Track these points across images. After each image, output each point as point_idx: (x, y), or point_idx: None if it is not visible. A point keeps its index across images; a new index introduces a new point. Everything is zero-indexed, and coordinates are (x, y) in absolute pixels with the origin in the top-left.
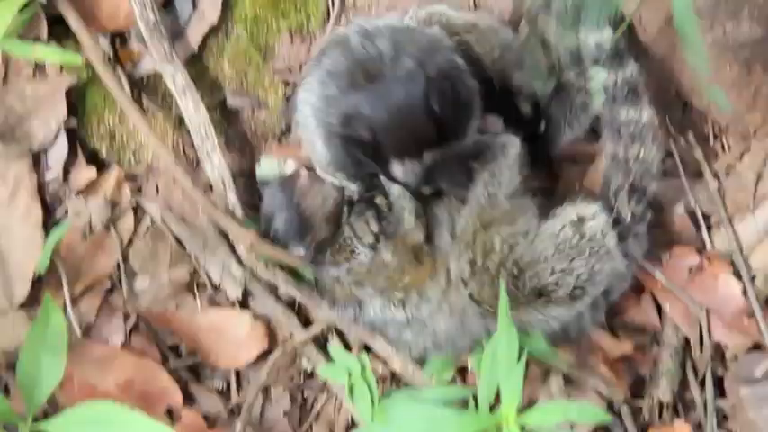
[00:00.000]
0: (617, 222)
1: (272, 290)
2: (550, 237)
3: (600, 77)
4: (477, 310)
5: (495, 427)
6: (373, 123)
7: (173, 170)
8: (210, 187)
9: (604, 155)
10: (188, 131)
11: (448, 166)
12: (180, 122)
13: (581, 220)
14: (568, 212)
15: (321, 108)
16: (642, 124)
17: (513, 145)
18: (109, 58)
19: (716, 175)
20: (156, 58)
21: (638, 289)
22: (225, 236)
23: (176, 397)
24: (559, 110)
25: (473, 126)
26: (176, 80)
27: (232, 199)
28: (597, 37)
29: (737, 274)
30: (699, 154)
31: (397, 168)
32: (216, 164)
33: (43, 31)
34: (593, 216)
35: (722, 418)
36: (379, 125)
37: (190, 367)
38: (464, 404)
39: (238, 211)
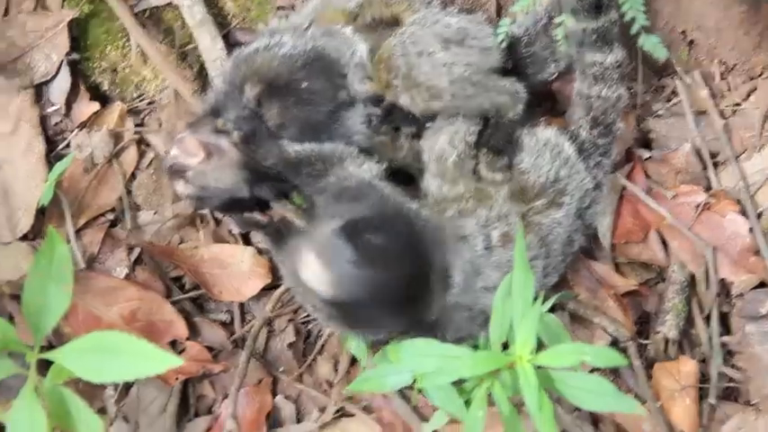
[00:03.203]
0: (575, 139)
1: None
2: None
3: (565, 25)
4: None
5: (507, 366)
6: None
7: (188, 99)
8: None
9: (574, 91)
10: (190, 66)
11: None
12: (184, 57)
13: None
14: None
15: None
16: (605, 67)
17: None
18: None
19: (722, 114)
20: None
21: (644, 226)
22: None
23: (181, 329)
24: (541, 51)
25: None
26: (194, 12)
27: None
28: None
29: (744, 212)
30: (705, 93)
31: None
32: None
33: None
34: (552, 133)
35: (727, 354)
36: None
37: (193, 300)
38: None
39: None
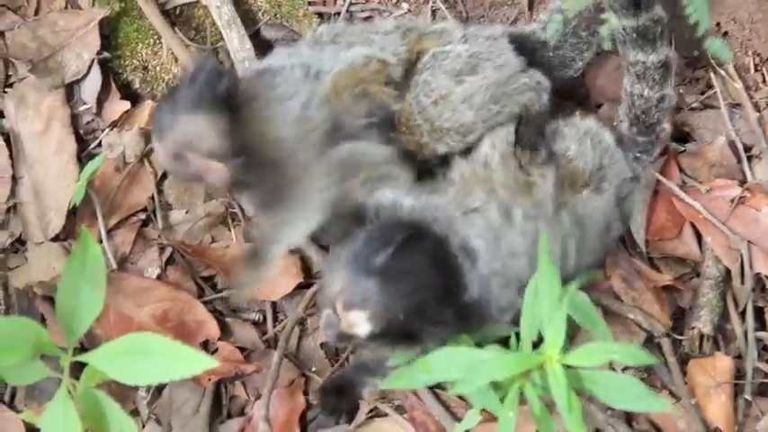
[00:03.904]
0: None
1: None
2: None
3: (610, 23)
4: None
5: (537, 366)
6: None
7: None
8: None
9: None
10: (221, 62)
11: None
12: (216, 54)
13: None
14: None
15: None
16: (647, 66)
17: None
18: None
19: (756, 106)
20: None
21: (678, 221)
22: None
23: (213, 329)
24: (570, 51)
25: None
26: (222, 12)
27: None
28: None
29: None
30: (739, 85)
31: None
32: None
33: None
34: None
35: (762, 349)
36: None
37: (225, 299)
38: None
39: None
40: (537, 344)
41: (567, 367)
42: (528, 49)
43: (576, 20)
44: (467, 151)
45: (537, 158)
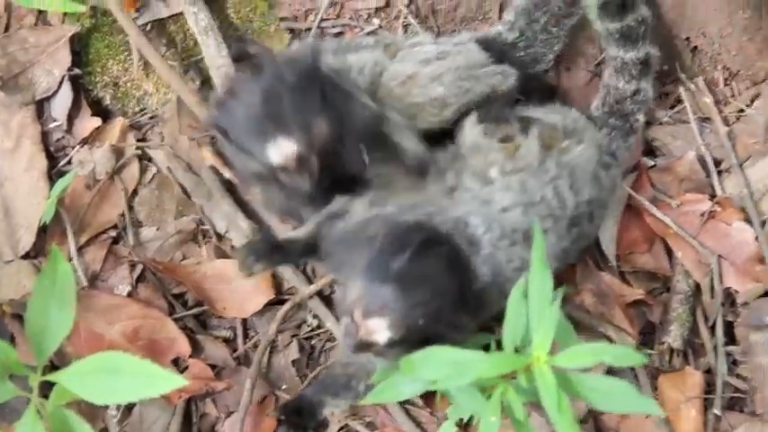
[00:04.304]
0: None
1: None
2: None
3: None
4: None
5: (524, 368)
6: None
7: (193, 107)
8: None
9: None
10: (192, 79)
11: None
12: (186, 71)
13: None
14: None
15: None
16: (624, 61)
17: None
18: None
19: (726, 121)
20: None
21: (649, 236)
22: (228, 188)
23: (183, 347)
24: (540, 48)
25: None
26: (199, 19)
27: None
28: None
29: (749, 220)
30: (709, 99)
31: None
32: None
33: None
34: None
35: (732, 363)
36: None
37: (196, 317)
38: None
39: None
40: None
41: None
42: (497, 51)
43: (547, 17)
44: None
45: (510, 129)
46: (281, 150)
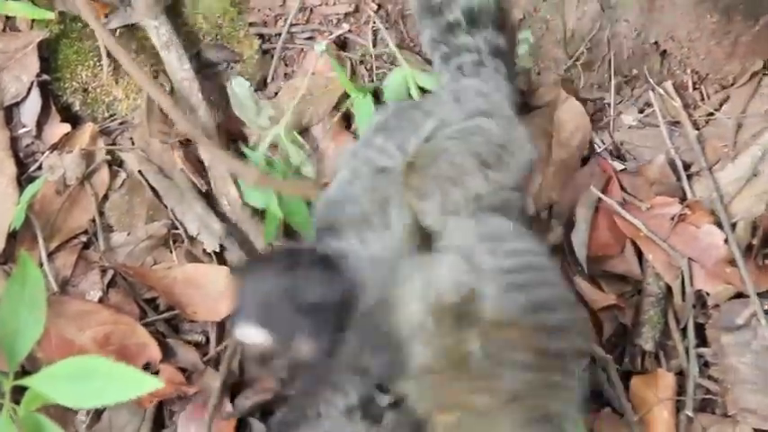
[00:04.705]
0: None
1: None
2: None
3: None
4: None
5: None
6: None
7: (171, 112)
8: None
9: None
10: (162, 85)
11: None
12: (156, 76)
13: None
14: None
15: None
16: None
17: None
18: None
19: (695, 124)
20: (138, 11)
21: (620, 239)
22: (200, 191)
23: (154, 352)
24: None
25: None
26: (160, 33)
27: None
28: None
29: (719, 223)
30: (678, 103)
31: None
32: (202, 117)
33: None
34: None
35: (704, 365)
36: None
37: (167, 321)
38: None
39: None
40: None
41: None
42: None
43: None
44: None
45: None
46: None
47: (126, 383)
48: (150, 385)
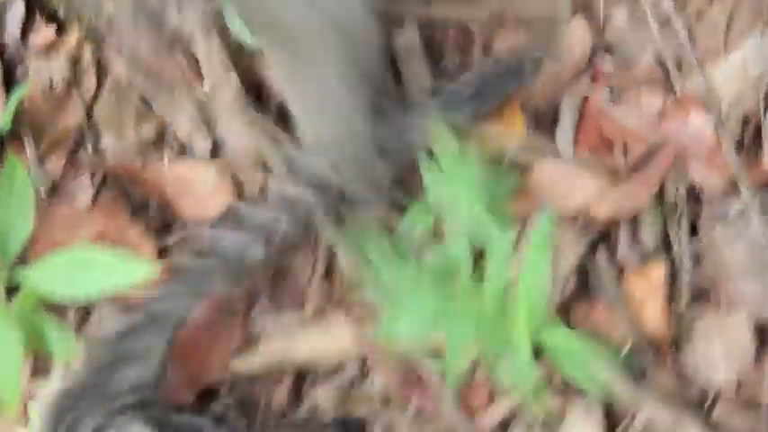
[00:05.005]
0: None
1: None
2: None
3: None
4: None
5: None
6: None
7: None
8: None
9: None
10: None
11: None
12: None
13: None
14: None
15: None
16: None
17: None
18: None
19: (686, 21)
20: None
21: (608, 138)
22: (193, 88)
23: (147, 252)
24: None
25: None
26: None
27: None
28: None
29: (710, 118)
30: (667, 2)
31: None
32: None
33: None
34: None
35: (696, 258)
36: None
37: (160, 221)
38: None
39: None
40: None
41: None
42: None
43: None
44: None
45: None
46: None
47: (122, 271)
48: (147, 270)
